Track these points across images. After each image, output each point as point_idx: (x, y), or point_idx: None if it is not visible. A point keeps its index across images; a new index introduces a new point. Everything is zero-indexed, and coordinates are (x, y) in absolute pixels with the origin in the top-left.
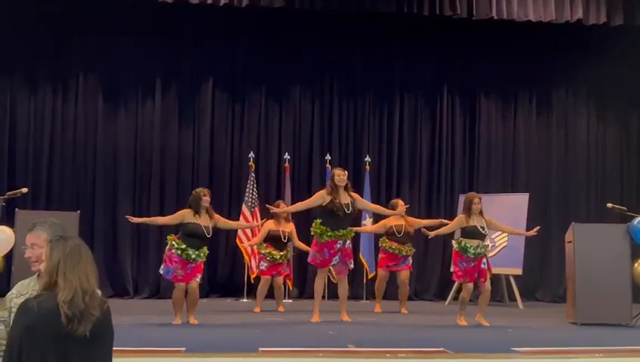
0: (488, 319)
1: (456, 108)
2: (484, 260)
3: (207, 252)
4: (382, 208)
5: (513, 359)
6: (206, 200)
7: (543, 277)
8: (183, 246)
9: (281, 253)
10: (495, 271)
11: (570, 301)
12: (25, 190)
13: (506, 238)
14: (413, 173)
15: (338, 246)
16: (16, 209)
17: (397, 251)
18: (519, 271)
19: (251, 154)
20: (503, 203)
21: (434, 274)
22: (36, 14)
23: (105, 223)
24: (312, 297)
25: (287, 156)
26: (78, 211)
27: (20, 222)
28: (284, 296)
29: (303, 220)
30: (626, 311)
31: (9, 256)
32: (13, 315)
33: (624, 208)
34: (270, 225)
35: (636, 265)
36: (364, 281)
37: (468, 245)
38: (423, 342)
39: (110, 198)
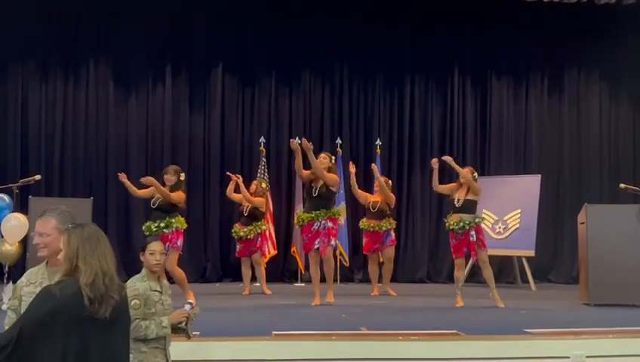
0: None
1: (467, 90)
2: (472, 232)
3: (175, 223)
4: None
5: (526, 340)
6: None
7: (556, 258)
8: (148, 223)
9: (244, 229)
10: (507, 252)
11: (583, 282)
12: (38, 177)
13: (518, 220)
14: (425, 155)
15: (315, 228)
16: (30, 196)
17: (377, 228)
18: (532, 253)
19: (262, 139)
20: (514, 185)
21: (446, 256)
22: (46, 1)
23: (118, 209)
24: (324, 281)
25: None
26: (92, 198)
27: (33, 210)
28: (297, 280)
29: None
30: (639, 291)
31: (25, 244)
32: (23, 303)
33: (637, 188)
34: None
35: None
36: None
37: (451, 221)
38: (436, 324)
39: (122, 184)
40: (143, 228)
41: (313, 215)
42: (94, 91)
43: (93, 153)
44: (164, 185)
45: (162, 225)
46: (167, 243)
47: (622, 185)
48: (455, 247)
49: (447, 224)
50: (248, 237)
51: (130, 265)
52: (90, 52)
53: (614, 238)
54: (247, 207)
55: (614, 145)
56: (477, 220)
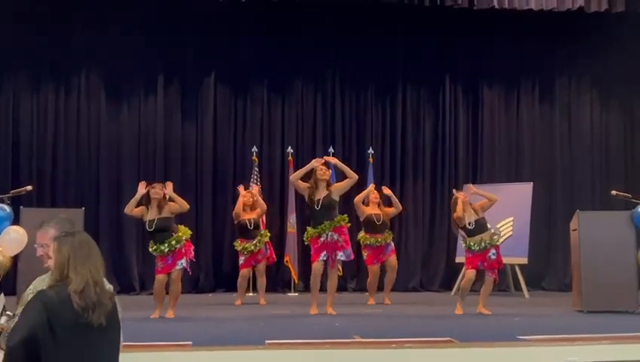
0: (494, 309)
1: (459, 99)
2: (493, 250)
3: (183, 236)
4: (348, 179)
5: (520, 347)
6: (154, 192)
7: (549, 265)
8: (155, 246)
9: (254, 242)
10: None
11: (575, 289)
12: (29, 188)
13: (511, 228)
14: (417, 163)
15: (321, 240)
16: (21, 207)
17: (381, 242)
18: (525, 261)
19: (254, 149)
20: (506, 192)
21: (439, 265)
22: (37, 11)
23: (110, 219)
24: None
25: (290, 150)
26: (83, 208)
27: (25, 221)
28: (290, 290)
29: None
30: (632, 297)
31: (16, 255)
32: None
33: (628, 195)
34: (239, 210)
35: None
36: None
37: (472, 243)
38: (430, 331)
39: (114, 194)
40: (151, 250)
41: (319, 229)
42: (86, 101)
43: (85, 163)
44: (149, 201)
45: (173, 242)
46: (185, 258)
47: (613, 192)
48: (470, 259)
49: (467, 243)
50: (257, 248)
51: (122, 274)
52: (82, 62)
53: (606, 245)
54: (252, 221)
55: (605, 152)
56: (495, 238)
